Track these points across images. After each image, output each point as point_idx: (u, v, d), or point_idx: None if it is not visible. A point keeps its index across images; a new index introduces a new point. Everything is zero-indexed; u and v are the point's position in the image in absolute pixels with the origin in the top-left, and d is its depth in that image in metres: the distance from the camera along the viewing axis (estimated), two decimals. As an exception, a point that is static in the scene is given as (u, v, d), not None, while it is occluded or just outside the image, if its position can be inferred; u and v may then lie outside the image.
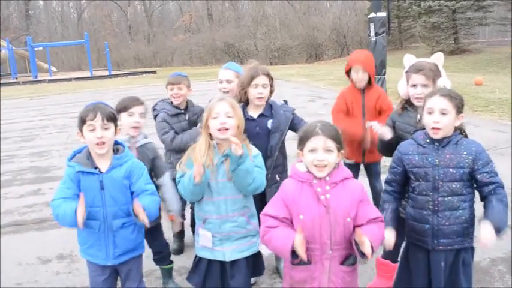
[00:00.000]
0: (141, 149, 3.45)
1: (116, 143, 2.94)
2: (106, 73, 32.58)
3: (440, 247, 2.84)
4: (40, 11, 54.31)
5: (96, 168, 2.83)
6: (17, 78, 30.76)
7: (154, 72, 32.49)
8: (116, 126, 2.85)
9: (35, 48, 32.73)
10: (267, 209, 2.68)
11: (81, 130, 2.80)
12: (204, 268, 3.01)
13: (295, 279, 2.64)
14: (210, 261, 3.00)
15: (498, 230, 2.60)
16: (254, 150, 2.97)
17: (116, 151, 2.92)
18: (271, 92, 3.63)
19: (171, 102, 4.20)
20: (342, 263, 2.60)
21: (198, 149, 2.88)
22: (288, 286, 2.72)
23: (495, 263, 4.10)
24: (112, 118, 2.81)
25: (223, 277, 3.01)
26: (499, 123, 9.96)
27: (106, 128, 2.76)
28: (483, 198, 2.80)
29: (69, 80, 29.29)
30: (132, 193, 2.89)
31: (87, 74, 32.90)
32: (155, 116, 4.20)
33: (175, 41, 48.08)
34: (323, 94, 15.39)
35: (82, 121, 2.78)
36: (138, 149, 3.44)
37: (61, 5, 56.89)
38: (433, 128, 2.76)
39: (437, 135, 2.76)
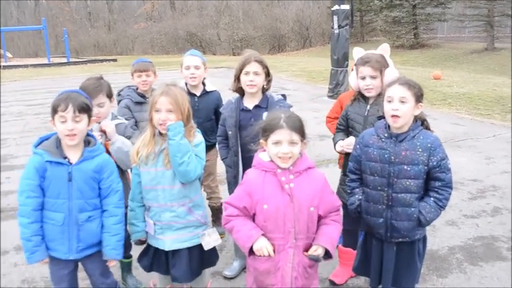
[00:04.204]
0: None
1: (88, 134, 2.84)
2: (64, 60, 31.66)
3: (393, 240, 2.91)
4: (-6, -6, 52.32)
5: (65, 158, 2.73)
6: (-31, 64, 29.58)
7: (115, 60, 31.82)
8: (89, 116, 2.75)
9: (-11, 33, 31.54)
10: (229, 198, 2.73)
11: (53, 118, 2.70)
12: (151, 254, 3.09)
13: (259, 270, 2.63)
14: (156, 247, 3.04)
15: (421, 222, 2.82)
16: (198, 139, 2.96)
17: (87, 143, 2.82)
18: (268, 81, 3.52)
19: (136, 89, 4.12)
20: (306, 252, 2.61)
21: (143, 138, 2.94)
22: (252, 278, 2.71)
23: (453, 251, 4.22)
24: (85, 109, 2.71)
25: (169, 264, 3.07)
26: (457, 116, 10.26)
27: (77, 121, 2.67)
28: (426, 191, 2.86)
29: (26, 66, 28.30)
30: (99, 188, 2.82)
31: (44, 60, 31.85)
32: (119, 101, 4.12)
33: (136, 29, 47.12)
34: (286, 85, 15.44)
35: (54, 110, 2.68)
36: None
37: (17, -12, 54.86)
38: (392, 116, 2.78)
39: (397, 124, 2.78)
